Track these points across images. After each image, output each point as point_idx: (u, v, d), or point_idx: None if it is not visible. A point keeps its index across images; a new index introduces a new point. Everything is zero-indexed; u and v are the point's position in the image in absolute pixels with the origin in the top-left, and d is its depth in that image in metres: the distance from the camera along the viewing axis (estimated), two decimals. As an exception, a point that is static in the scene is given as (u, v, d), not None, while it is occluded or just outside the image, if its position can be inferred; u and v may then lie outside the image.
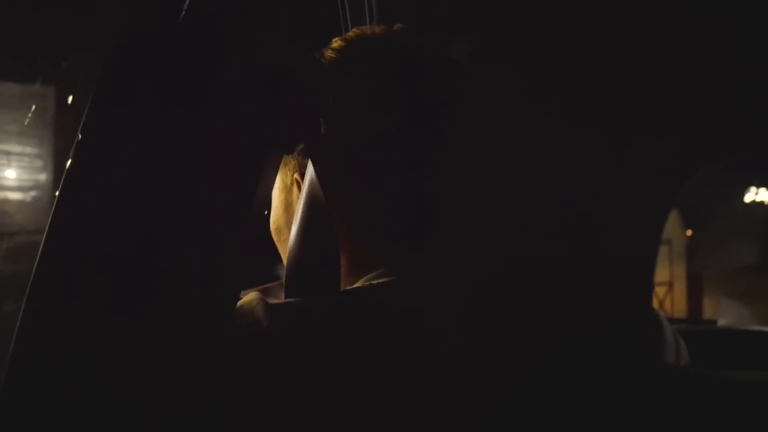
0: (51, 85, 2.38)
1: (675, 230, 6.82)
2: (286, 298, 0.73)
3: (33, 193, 2.43)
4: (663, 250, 6.77)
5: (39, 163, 2.43)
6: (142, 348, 0.54)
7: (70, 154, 0.51)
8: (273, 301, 0.70)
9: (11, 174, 2.41)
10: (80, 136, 0.52)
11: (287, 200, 0.88)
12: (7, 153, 2.38)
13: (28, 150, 2.41)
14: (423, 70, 0.76)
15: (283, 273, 0.92)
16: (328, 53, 0.77)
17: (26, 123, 2.35)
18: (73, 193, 0.52)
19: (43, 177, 2.44)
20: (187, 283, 0.57)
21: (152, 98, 0.55)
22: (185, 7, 0.57)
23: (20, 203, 2.44)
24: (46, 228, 0.50)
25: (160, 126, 0.54)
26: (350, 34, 0.81)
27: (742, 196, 5.93)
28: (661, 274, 6.80)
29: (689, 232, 6.85)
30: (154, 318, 0.55)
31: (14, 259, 2.33)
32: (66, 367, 0.51)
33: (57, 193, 0.51)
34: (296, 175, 0.85)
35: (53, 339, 0.51)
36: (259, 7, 0.61)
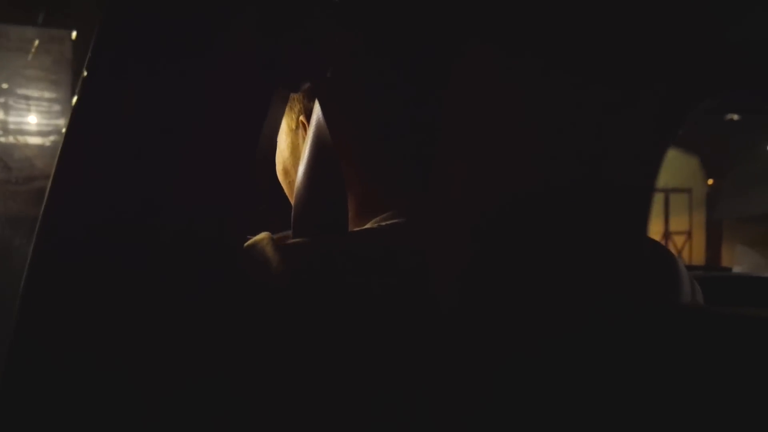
0: (68, 29, 2.37)
1: (696, 179, 6.74)
2: (294, 238, 0.74)
3: (52, 138, 2.45)
4: (683, 198, 6.71)
5: (57, 107, 2.44)
6: (148, 289, 0.55)
7: (77, 92, 0.51)
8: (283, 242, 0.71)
9: (31, 119, 2.43)
10: (86, 73, 0.53)
11: (293, 143, 0.88)
12: (26, 98, 2.39)
13: (47, 95, 2.42)
14: (428, 8, 0.74)
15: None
16: None
17: (45, 67, 2.36)
18: (80, 132, 0.52)
19: (61, 122, 2.45)
20: (194, 225, 0.57)
21: (157, 35, 0.55)
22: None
23: (40, 148, 2.46)
24: (54, 164, 0.50)
25: (166, 66, 0.54)
26: None
27: (766, 144, 5.84)
28: (681, 223, 6.76)
29: (710, 182, 6.77)
30: (162, 260, 0.56)
31: (35, 203, 2.36)
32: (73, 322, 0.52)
33: (64, 131, 0.52)
34: (302, 118, 0.85)
35: (59, 288, 0.52)
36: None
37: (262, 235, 0.69)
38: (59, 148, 0.52)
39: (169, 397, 0.56)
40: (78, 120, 0.52)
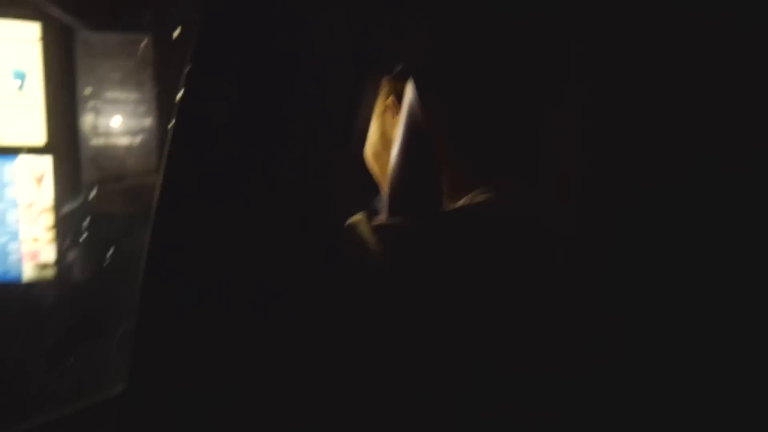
0: (149, 33, 2.45)
1: None
2: (389, 218, 0.75)
3: (139, 138, 2.53)
4: None
5: (142, 108, 2.52)
6: (257, 277, 0.57)
7: (181, 84, 0.53)
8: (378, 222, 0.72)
9: (118, 121, 2.52)
10: (188, 71, 0.54)
11: (382, 126, 0.89)
12: (114, 101, 2.48)
13: (132, 96, 2.50)
14: None
15: (377, 204, 0.94)
16: None
17: (128, 70, 2.44)
18: (187, 127, 0.54)
19: (147, 122, 2.53)
20: (300, 205, 0.59)
21: (253, 31, 0.56)
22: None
23: (128, 148, 2.54)
24: (165, 156, 0.52)
25: (263, 58, 0.56)
26: None
27: None
28: None
29: None
30: (268, 243, 0.57)
31: (127, 202, 2.45)
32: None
33: (170, 126, 0.54)
34: (390, 100, 0.86)
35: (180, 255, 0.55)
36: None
37: (359, 216, 0.71)
38: (167, 143, 0.54)
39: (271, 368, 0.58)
40: (184, 115, 0.54)
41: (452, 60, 0.70)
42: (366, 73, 0.61)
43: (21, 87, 2.34)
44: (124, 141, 2.51)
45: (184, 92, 0.54)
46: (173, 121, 0.54)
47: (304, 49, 0.58)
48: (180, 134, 0.54)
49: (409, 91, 0.70)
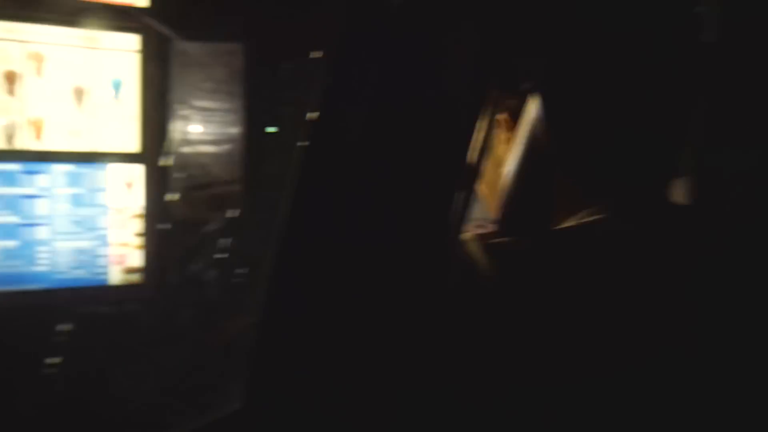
0: (240, 43, 2.50)
1: None
2: (500, 236, 0.74)
3: (227, 147, 2.59)
4: None
5: (231, 117, 2.58)
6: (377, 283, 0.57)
7: (317, 100, 0.54)
8: (486, 240, 0.72)
9: (207, 129, 2.58)
10: (328, 85, 0.55)
11: (486, 140, 0.89)
12: (204, 109, 2.55)
13: (222, 106, 2.56)
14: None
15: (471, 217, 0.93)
16: None
17: (221, 80, 2.50)
18: (322, 135, 0.55)
19: (235, 131, 2.59)
20: (415, 225, 0.59)
21: (386, 47, 0.57)
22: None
23: (215, 156, 2.61)
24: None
25: (395, 74, 0.56)
26: None
27: None
28: None
29: None
30: (384, 257, 0.58)
31: (214, 208, 2.51)
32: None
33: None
34: (501, 116, 0.86)
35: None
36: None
37: (468, 233, 0.70)
38: (299, 154, 0.55)
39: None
40: (317, 131, 0.54)
41: (582, 79, 0.69)
42: (486, 89, 0.61)
43: (116, 95, 2.42)
44: (210, 149, 2.58)
45: (320, 108, 0.55)
46: (308, 134, 0.55)
47: (431, 66, 0.59)
48: (314, 145, 0.56)
49: (533, 109, 0.70)
